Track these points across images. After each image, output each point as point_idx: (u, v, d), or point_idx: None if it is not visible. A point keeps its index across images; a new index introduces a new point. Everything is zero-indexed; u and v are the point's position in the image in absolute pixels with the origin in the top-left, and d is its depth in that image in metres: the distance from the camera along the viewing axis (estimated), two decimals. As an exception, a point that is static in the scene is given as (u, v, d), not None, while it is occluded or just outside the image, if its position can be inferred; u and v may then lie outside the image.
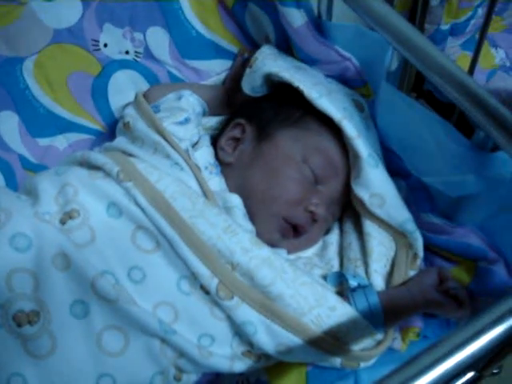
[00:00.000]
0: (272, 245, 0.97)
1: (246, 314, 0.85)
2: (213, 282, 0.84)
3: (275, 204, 0.98)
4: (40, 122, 1.13)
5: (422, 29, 1.48)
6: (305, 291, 0.87)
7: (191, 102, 1.09)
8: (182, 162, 0.95)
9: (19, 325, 0.78)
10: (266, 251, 0.88)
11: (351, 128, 0.95)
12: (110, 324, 0.82)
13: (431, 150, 0.91)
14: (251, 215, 0.98)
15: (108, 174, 0.91)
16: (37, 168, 1.12)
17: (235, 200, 0.97)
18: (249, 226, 0.96)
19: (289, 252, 1.02)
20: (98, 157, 0.94)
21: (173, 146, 0.96)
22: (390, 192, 0.97)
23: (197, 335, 0.86)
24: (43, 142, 1.14)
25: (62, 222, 0.86)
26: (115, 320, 0.82)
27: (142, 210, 0.87)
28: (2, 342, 0.79)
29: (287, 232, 1.00)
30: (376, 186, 0.96)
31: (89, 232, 0.85)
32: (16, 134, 1.11)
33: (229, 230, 0.87)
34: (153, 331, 0.82)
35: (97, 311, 0.81)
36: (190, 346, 0.84)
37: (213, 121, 1.18)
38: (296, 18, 1.01)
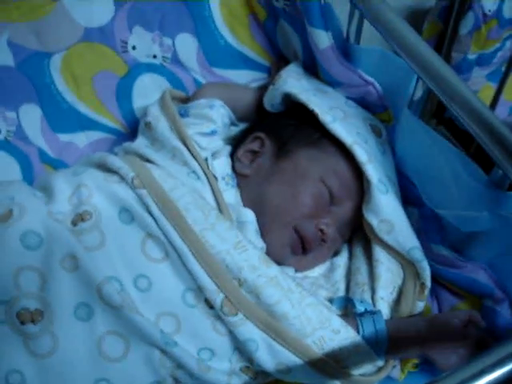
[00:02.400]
0: (281, 262, 0.97)
1: (249, 331, 0.84)
2: (218, 297, 0.84)
3: (288, 215, 0.97)
4: (62, 118, 1.13)
5: (448, 56, 1.48)
6: (310, 312, 0.86)
7: (221, 114, 1.08)
8: (199, 171, 0.95)
9: (22, 322, 0.78)
10: (273, 270, 0.87)
11: (362, 153, 0.95)
12: (112, 329, 0.81)
13: (447, 182, 0.90)
14: (263, 230, 0.97)
15: (123, 179, 0.90)
16: (55, 163, 1.12)
17: (249, 215, 0.96)
18: (260, 243, 0.95)
19: (296, 270, 1.02)
20: (114, 160, 0.93)
21: (192, 154, 0.96)
22: (398, 219, 0.96)
23: (197, 348, 0.85)
24: (64, 137, 1.14)
25: (74, 223, 0.86)
26: (118, 326, 0.81)
27: (154, 218, 0.86)
28: (4, 338, 0.79)
29: (296, 246, 0.98)
30: (385, 212, 0.95)
31: (99, 236, 0.85)
32: (37, 127, 1.11)
33: (239, 245, 0.87)
34: (154, 341, 0.81)
35: (100, 316, 0.81)
36: (189, 359, 0.83)
37: (236, 131, 1.17)
38: (322, 39, 1.00)
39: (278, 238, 0.98)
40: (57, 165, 1.12)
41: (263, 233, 0.98)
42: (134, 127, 1.15)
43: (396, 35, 0.88)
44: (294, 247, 0.99)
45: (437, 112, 1.46)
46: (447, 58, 1.48)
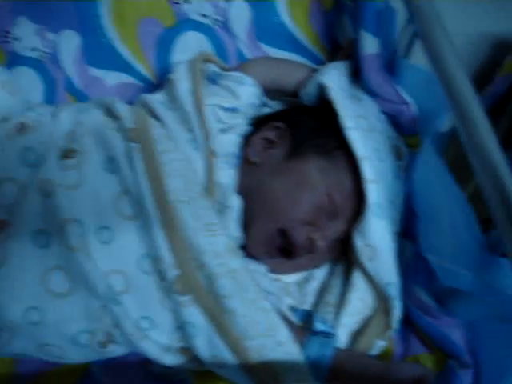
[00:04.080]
0: (258, 258, 0.94)
1: (193, 315, 0.81)
2: (172, 272, 0.80)
3: (283, 214, 0.91)
4: (98, 52, 1.10)
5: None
6: (259, 317, 0.81)
7: (249, 93, 1.01)
8: (200, 141, 0.90)
9: None
10: (236, 263, 0.83)
11: (370, 170, 0.88)
12: (63, 266, 0.80)
13: (443, 229, 0.83)
14: (248, 221, 0.92)
15: (121, 128, 0.87)
16: (78, 94, 1.10)
17: (235, 201, 0.91)
18: (236, 232, 0.90)
19: (272, 270, 0.98)
20: (121, 108, 0.90)
21: (201, 122, 0.91)
22: (385, 248, 0.89)
23: (139, 315, 0.82)
24: (94, 72, 1.11)
25: (60, 157, 0.84)
26: (68, 266, 0.80)
27: (135, 174, 0.83)
28: None
29: (274, 248, 0.93)
30: (372, 238, 0.89)
31: (77, 176, 0.83)
32: (72, 55, 1.09)
33: (209, 228, 0.83)
34: (97, 293, 0.80)
35: (56, 249, 0.80)
36: (127, 322, 0.81)
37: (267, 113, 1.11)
38: (369, 44, 0.94)
39: (260, 233, 0.93)
40: (79, 97, 1.10)
41: (248, 224, 0.93)
42: (164, 80, 1.08)
43: (441, 67, 0.81)
44: (270, 248, 0.94)
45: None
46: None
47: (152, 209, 0.81)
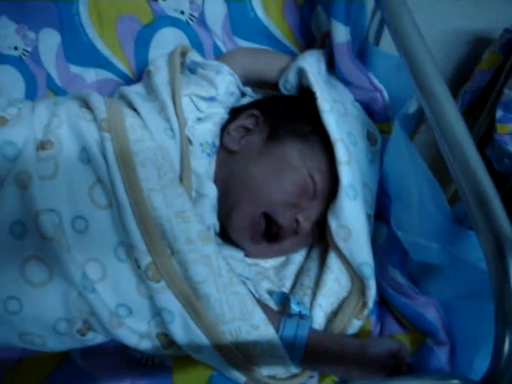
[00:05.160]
0: (241, 245, 0.95)
1: (168, 301, 0.81)
2: (145, 260, 0.80)
3: (266, 198, 0.92)
4: (78, 50, 1.12)
5: (500, 91, 1.40)
6: (233, 301, 0.81)
7: (226, 81, 1.01)
8: (176, 130, 0.90)
9: None
10: (209, 249, 0.82)
11: (343, 152, 0.89)
12: (40, 256, 0.80)
13: (412, 206, 0.83)
14: (228, 209, 0.93)
15: (95, 119, 0.87)
16: (59, 91, 1.11)
17: (211, 189, 0.91)
18: (212, 219, 0.90)
19: (252, 256, 0.98)
20: (96, 100, 0.90)
21: (177, 112, 0.92)
22: (358, 229, 0.89)
23: (116, 302, 0.82)
24: (75, 69, 1.12)
25: (37, 149, 0.84)
26: (45, 256, 0.80)
27: (107, 164, 0.83)
28: None
29: (257, 232, 0.94)
30: (346, 218, 0.89)
31: (53, 167, 0.83)
32: (53, 53, 1.10)
33: (182, 215, 0.82)
34: (73, 282, 0.79)
35: (32, 240, 0.79)
36: (103, 310, 0.81)
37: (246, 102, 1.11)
38: (339, 33, 0.95)
39: (241, 220, 0.93)
40: (60, 94, 1.11)
41: (228, 211, 0.93)
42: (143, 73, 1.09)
43: (407, 50, 0.82)
44: (254, 233, 0.94)
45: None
46: (498, 93, 1.40)
47: (124, 197, 0.81)
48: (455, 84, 1.44)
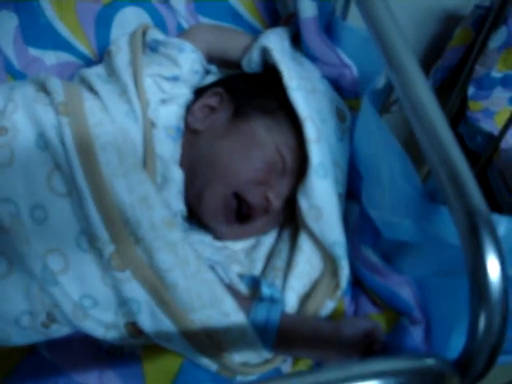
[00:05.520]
0: (210, 227, 0.92)
1: (134, 291, 0.78)
2: (108, 249, 0.77)
3: (236, 176, 0.89)
4: (37, 32, 1.07)
5: (471, 68, 1.39)
6: (202, 289, 0.78)
7: (190, 60, 0.98)
8: (138, 113, 0.87)
9: None
10: (175, 236, 0.79)
11: (312, 130, 0.86)
12: None
13: (383, 182, 0.80)
14: (199, 191, 0.90)
15: (52, 103, 0.84)
16: (17, 75, 1.06)
17: (177, 174, 0.88)
18: (179, 205, 0.87)
19: (222, 238, 0.95)
20: (53, 83, 0.86)
21: (139, 94, 0.88)
22: (329, 208, 0.87)
23: (80, 294, 0.79)
24: (34, 52, 1.08)
25: None
26: (4, 247, 0.76)
27: (65, 149, 0.79)
28: None
29: (230, 213, 0.92)
30: (316, 198, 0.86)
31: (9, 154, 0.79)
32: (10, 36, 1.05)
33: (145, 201, 0.79)
34: (33, 274, 0.76)
35: None
36: (65, 302, 0.77)
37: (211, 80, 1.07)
38: (306, 8, 0.92)
39: (212, 200, 0.91)
40: (19, 77, 1.06)
41: (198, 194, 0.91)
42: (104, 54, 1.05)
43: (376, 24, 0.79)
44: (228, 214, 0.92)
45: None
46: (470, 70, 1.39)
47: (84, 184, 0.78)
48: (426, 62, 1.43)
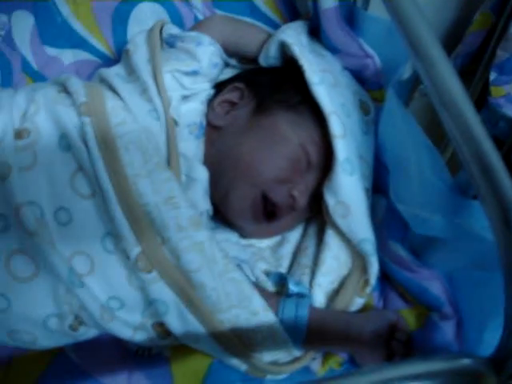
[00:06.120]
0: (237, 227, 0.92)
1: (162, 292, 0.77)
2: (134, 250, 0.75)
3: (260, 175, 0.88)
4: (54, 31, 1.06)
5: (493, 53, 1.36)
6: (230, 288, 0.77)
7: (209, 52, 0.96)
8: (160, 111, 0.85)
9: None
10: (202, 235, 0.77)
11: (338, 125, 0.85)
12: (24, 249, 0.75)
13: (412, 177, 0.78)
14: (223, 190, 0.89)
15: (74, 103, 0.82)
16: (35, 75, 1.05)
17: (202, 173, 0.87)
18: (206, 204, 0.86)
19: (249, 236, 0.94)
20: (75, 83, 0.85)
21: (159, 91, 0.87)
22: (357, 204, 0.86)
23: (107, 295, 0.78)
24: (51, 51, 1.07)
25: (14, 138, 0.79)
26: (30, 250, 0.75)
27: (89, 150, 0.78)
28: None
29: (258, 212, 0.90)
30: (344, 194, 0.85)
31: (31, 157, 0.78)
32: (27, 35, 1.04)
33: (171, 201, 0.77)
34: (60, 277, 0.75)
35: (15, 234, 0.75)
36: (93, 304, 0.76)
37: (230, 74, 1.06)
38: None
39: (240, 200, 0.89)
40: (37, 77, 1.05)
41: (223, 194, 0.89)
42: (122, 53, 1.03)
43: (399, 12, 0.77)
44: (256, 213, 0.90)
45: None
46: (492, 55, 1.36)
47: (108, 185, 0.76)
48: (447, 48, 1.39)
